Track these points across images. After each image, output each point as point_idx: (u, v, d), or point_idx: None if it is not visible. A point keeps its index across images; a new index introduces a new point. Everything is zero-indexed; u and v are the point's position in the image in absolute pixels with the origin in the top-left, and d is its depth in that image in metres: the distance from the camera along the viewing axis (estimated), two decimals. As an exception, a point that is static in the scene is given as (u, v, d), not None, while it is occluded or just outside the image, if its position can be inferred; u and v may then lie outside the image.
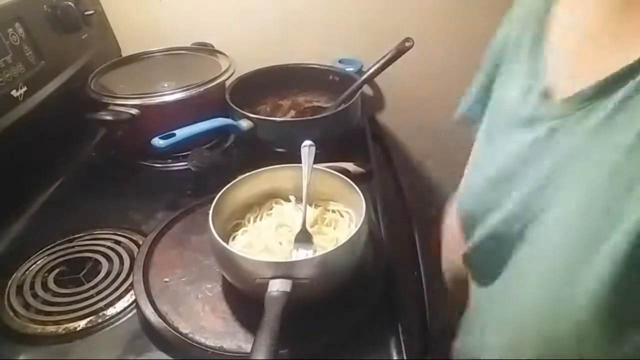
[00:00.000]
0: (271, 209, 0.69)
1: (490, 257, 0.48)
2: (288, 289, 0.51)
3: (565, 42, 0.44)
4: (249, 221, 0.67)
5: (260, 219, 0.67)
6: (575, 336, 0.37)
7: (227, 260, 0.56)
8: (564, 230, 0.38)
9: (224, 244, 0.56)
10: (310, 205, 0.68)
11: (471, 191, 0.53)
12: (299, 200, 0.68)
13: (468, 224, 0.53)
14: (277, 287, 0.51)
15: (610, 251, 0.33)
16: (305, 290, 0.52)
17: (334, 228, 0.65)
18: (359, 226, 0.57)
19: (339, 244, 0.55)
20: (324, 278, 0.54)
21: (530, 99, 0.44)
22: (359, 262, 0.58)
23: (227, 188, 0.64)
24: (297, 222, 0.62)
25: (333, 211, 0.68)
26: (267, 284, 0.51)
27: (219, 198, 0.62)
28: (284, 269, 0.52)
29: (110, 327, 0.59)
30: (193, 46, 1.08)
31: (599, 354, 0.36)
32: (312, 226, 0.64)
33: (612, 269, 0.33)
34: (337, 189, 0.67)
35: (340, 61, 1.11)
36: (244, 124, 0.86)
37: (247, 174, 0.67)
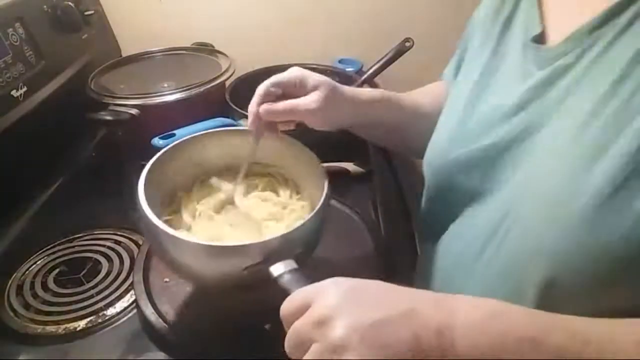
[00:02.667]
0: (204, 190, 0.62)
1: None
2: (295, 265, 0.45)
3: None
4: (190, 211, 0.59)
5: (198, 204, 0.60)
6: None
7: (196, 257, 0.48)
8: (562, 153, 0.40)
9: (187, 238, 0.47)
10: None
11: (457, 138, 0.53)
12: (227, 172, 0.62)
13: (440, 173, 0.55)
14: (284, 268, 0.45)
15: (609, 166, 0.36)
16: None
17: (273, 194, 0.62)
18: (325, 189, 0.53)
19: (313, 209, 0.51)
20: (310, 247, 0.51)
21: (529, 49, 0.47)
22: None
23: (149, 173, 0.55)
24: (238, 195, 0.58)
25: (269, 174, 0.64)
26: (259, 272, 0.45)
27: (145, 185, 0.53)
28: (277, 245, 0.46)
29: (110, 327, 0.59)
30: (193, 46, 1.08)
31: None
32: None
33: (608, 183, 0.36)
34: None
35: (340, 61, 1.11)
36: (244, 124, 0.86)
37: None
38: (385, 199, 0.78)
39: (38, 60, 0.81)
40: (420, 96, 0.69)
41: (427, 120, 0.62)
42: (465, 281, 0.50)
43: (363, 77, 0.97)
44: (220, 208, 0.60)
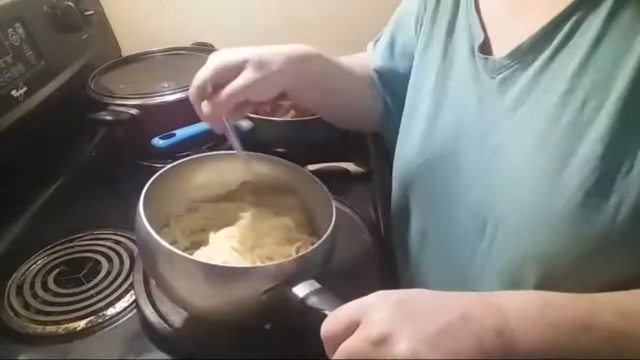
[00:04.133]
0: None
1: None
2: (319, 285, 0.43)
3: None
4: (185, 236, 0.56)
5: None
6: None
7: (213, 282, 0.44)
8: (530, 158, 0.41)
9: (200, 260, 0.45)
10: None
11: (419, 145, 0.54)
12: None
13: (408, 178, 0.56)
14: (309, 288, 0.42)
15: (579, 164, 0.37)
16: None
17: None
18: (334, 212, 0.52)
19: (327, 230, 0.49)
20: (325, 265, 0.49)
21: (474, 57, 0.48)
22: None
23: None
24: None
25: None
26: (281, 294, 0.42)
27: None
28: (296, 266, 0.44)
29: (110, 327, 0.59)
30: (193, 46, 1.08)
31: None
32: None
33: (583, 180, 0.37)
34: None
35: (340, 61, 1.11)
36: (244, 123, 0.86)
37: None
38: (385, 199, 0.78)
39: (38, 60, 0.80)
40: (351, 60, 0.69)
41: (359, 83, 0.65)
42: (464, 282, 0.50)
43: (363, 77, 0.96)
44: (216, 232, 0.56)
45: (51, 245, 0.71)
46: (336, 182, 0.82)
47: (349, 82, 0.65)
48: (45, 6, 0.86)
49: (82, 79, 0.92)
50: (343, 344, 0.35)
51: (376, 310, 0.36)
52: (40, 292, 0.63)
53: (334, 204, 0.53)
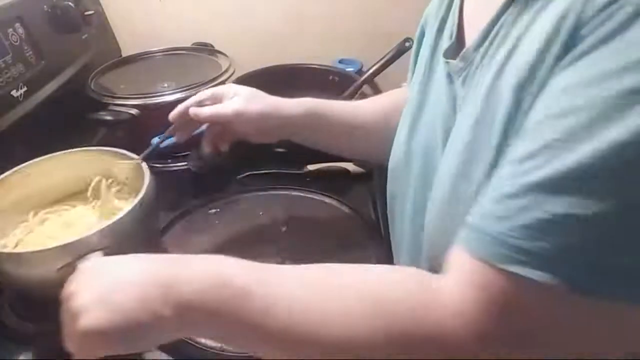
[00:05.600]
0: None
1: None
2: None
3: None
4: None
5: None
6: None
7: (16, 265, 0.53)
8: (452, 161, 0.42)
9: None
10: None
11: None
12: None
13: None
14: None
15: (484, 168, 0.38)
16: None
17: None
18: (143, 192, 0.58)
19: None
20: (119, 246, 0.53)
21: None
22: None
23: None
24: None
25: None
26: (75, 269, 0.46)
27: None
28: (85, 246, 0.51)
29: (110, 327, 0.59)
30: (193, 46, 1.08)
31: None
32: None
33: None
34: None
35: (340, 61, 1.11)
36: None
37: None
38: (385, 199, 0.78)
39: (38, 60, 0.80)
40: (367, 105, 0.70)
41: (365, 131, 0.66)
42: None
43: (363, 77, 0.97)
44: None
45: (51, 245, 0.71)
46: (336, 182, 0.82)
47: (345, 134, 0.67)
48: (45, 6, 0.86)
49: (82, 79, 0.92)
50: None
51: (75, 275, 0.43)
52: (40, 292, 0.63)
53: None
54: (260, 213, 0.76)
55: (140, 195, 0.58)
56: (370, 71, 0.96)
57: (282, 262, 0.65)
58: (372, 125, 0.67)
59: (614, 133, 0.27)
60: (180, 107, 0.67)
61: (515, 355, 0.32)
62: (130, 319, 0.37)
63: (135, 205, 0.56)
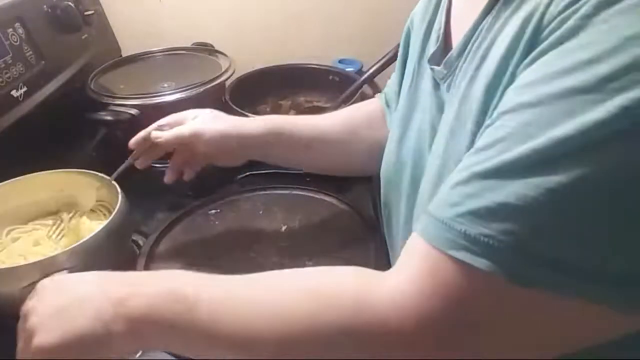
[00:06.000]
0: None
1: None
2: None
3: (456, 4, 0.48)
4: None
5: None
6: None
7: None
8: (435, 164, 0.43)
9: None
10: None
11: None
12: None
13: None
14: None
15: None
16: None
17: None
18: (113, 214, 0.60)
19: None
20: (85, 265, 0.55)
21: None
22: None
23: None
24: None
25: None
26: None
27: None
28: (50, 265, 0.53)
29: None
30: (193, 46, 1.08)
31: None
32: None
33: None
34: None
35: (340, 61, 1.11)
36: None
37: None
38: (385, 199, 0.78)
39: (38, 60, 0.80)
40: (331, 118, 0.70)
41: (325, 145, 0.67)
42: None
43: (363, 77, 0.97)
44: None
45: (51, 245, 0.71)
46: (336, 181, 0.82)
47: (309, 151, 0.68)
48: (45, 6, 0.86)
49: (82, 79, 0.92)
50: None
51: (33, 295, 0.43)
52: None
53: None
54: (260, 213, 0.76)
55: (111, 217, 0.60)
56: (370, 71, 0.96)
57: (282, 262, 0.65)
58: (333, 138, 0.67)
59: (560, 129, 0.28)
60: (141, 134, 0.67)
61: (454, 345, 0.32)
62: (83, 335, 0.38)
63: (104, 227, 0.58)
